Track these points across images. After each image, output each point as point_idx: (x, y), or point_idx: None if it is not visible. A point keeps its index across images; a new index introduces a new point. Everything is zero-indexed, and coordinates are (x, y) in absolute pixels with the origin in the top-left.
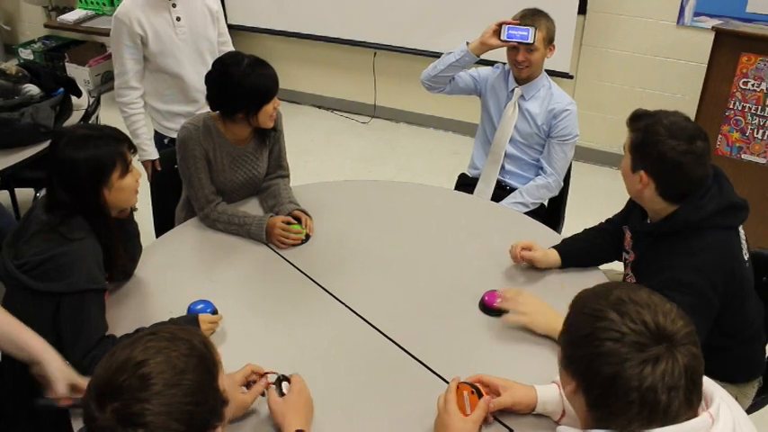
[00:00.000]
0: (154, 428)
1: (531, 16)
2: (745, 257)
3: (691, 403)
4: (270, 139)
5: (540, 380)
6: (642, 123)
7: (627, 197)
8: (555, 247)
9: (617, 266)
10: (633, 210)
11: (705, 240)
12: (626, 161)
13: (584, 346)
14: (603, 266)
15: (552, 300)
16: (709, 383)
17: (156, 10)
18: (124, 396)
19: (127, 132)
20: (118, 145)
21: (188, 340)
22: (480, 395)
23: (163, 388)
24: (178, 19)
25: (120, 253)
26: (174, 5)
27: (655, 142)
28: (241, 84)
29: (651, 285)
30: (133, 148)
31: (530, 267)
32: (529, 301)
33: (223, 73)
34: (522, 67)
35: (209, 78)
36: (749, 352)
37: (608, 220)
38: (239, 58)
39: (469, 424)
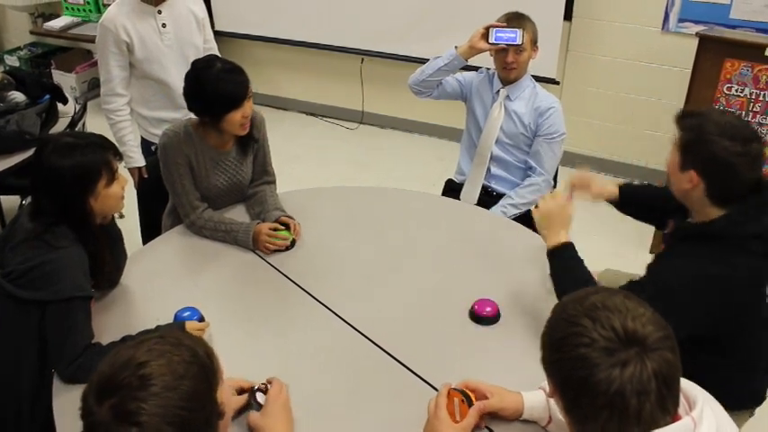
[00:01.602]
0: (147, 429)
1: (516, 19)
2: None
3: (665, 409)
4: (253, 144)
5: (528, 388)
6: (692, 121)
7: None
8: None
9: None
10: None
11: (734, 258)
12: (673, 159)
13: (558, 350)
14: (604, 267)
15: (538, 305)
16: (691, 386)
17: (141, 17)
18: (122, 393)
19: (113, 140)
20: (103, 153)
21: (192, 348)
22: (471, 403)
23: (160, 390)
24: (164, 25)
25: (107, 260)
26: (159, 12)
27: (707, 141)
28: (208, 87)
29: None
30: (119, 156)
31: (518, 272)
32: (550, 204)
33: (195, 75)
34: (512, 68)
35: (185, 78)
36: (756, 383)
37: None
38: (213, 62)
39: (459, 431)
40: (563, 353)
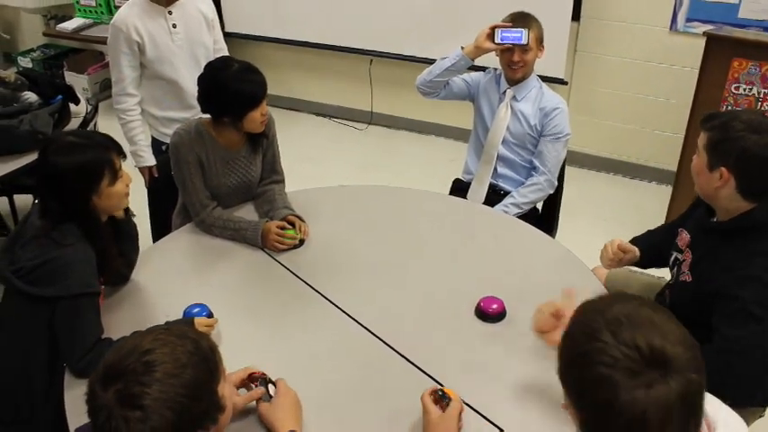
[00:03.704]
0: (150, 413)
1: (521, 19)
2: None
3: (686, 430)
4: (262, 143)
5: (536, 387)
6: (717, 121)
7: (621, 203)
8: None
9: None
10: (696, 210)
11: None
12: (700, 161)
13: (577, 366)
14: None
15: (543, 302)
16: (712, 407)
17: (152, 17)
18: (127, 378)
19: (124, 139)
20: (105, 152)
21: (196, 341)
22: (449, 399)
23: (163, 376)
24: (174, 26)
25: (114, 257)
26: (169, 12)
27: (735, 138)
28: (228, 88)
29: (726, 284)
30: (123, 155)
31: (524, 270)
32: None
33: (212, 76)
34: (517, 67)
35: (200, 80)
36: None
37: (662, 227)
38: (229, 62)
39: (447, 419)
40: (582, 370)
